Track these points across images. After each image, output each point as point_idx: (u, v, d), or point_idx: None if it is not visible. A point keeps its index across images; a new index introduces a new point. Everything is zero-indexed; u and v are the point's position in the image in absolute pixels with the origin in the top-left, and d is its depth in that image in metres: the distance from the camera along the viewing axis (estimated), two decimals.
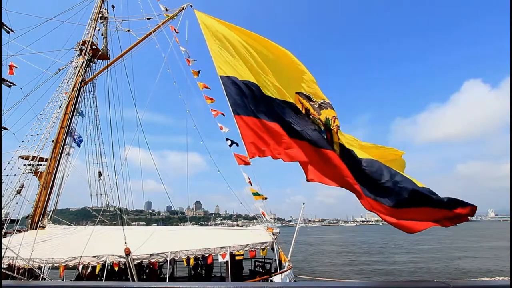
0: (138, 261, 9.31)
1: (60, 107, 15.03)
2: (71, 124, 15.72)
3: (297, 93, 5.65)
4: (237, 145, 6.10)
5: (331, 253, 36.12)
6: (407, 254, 32.30)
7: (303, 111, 5.39)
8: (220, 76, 5.76)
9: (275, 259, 10.14)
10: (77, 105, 16.17)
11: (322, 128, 5.19)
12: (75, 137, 16.69)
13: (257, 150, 5.04)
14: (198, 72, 9.60)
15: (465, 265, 23.76)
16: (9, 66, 15.39)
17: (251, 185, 7.86)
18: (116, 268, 9.14)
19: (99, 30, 18.20)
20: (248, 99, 5.44)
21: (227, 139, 6.27)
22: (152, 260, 9.29)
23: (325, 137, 5.08)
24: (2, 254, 9.19)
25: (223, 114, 8.36)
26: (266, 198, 8.01)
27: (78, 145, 17.17)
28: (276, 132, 5.12)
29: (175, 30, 11.15)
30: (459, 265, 24.00)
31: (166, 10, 12.47)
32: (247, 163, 5.37)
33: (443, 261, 26.34)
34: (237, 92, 5.50)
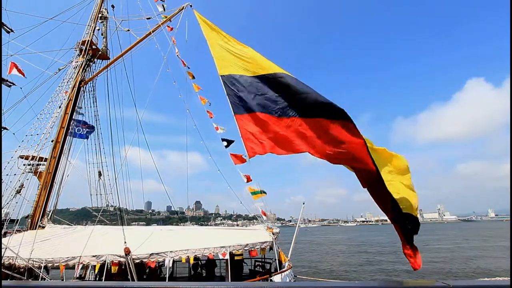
0: (138, 261, 9.31)
1: (60, 107, 15.03)
2: (71, 123, 15.71)
3: None
4: (233, 141, 6.08)
5: (344, 253, 35.71)
6: (421, 254, 31.56)
7: None
8: (221, 75, 5.71)
9: (275, 259, 10.14)
10: (76, 104, 16.17)
11: None
12: (76, 127, 16.46)
13: (257, 148, 4.96)
14: (193, 75, 9.70)
15: (486, 265, 23.30)
16: (17, 69, 15.41)
17: (251, 181, 7.85)
18: (116, 268, 9.13)
19: (99, 29, 18.19)
20: (249, 96, 5.32)
21: (222, 140, 6.26)
22: (152, 260, 9.28)
23: None
24: (2, 253, 9.18)
25: (210, 116, 8.38)
26: (265, 193, 8.01)
27: (86, 137, 17.12)
28: (277, 126, 4.98)
29: (172, 31, 11.22)
30: (479, 265, 23.53)
31: (164, 10, 12.47)
32: (243, 161, 5.33)
33: (464, 260, 25.99)
34: (237, 90, 5.41)
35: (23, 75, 15.59)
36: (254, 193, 8.08)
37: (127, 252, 8.92)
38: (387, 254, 33.41)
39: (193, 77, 9.96)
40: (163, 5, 12.57)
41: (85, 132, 17.11)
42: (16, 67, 15.39)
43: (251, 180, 7.86)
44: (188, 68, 10.32)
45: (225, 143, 6.29)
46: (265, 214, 9.97)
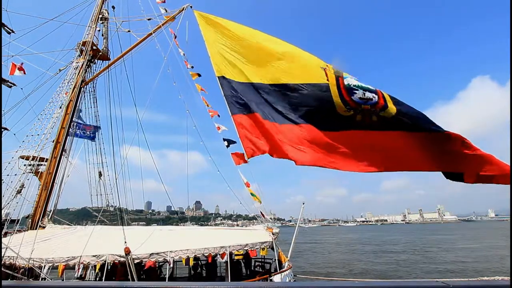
0: (138, 261, 9.33)
1: (60, 108, 15.07)
2: (73, 124, 15.76)
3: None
4: (235, 142, 6.10)
5: (369, 252, 35.05)
6: (449, 253, 31.23)
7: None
8: (218, 77, 5.75)
9: (275, 259, 10.16)
10: (77, 105, 16.21)
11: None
12: (82, 130, 16.53)
13: (255, 149, 4.96)
14: (198, 74, 9.68)
15: None
16: (18, 68, 15.48)
17: (249, 186, 7.89)
18: (116, 268, 9.15)
19: (99, 30, 18.25)
20: (245, 98, 5.36)
21: (224, 140, 6.26)
22: (152, 260, 9.31)
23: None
24: (3, 253, 9.21)
25: (218, 115, 8.40)
26: (260, 202, 8.07)
27: (92, 139, 17.18)
28: (273, 128, 4.97)
29: (174, 34, 11.25)
30: None
31: (166, 11, 12.52)
32: (245, 162, 5.33)
33: (498, 259, 25.65)
34: (234, 92, 5.46)
35: (24, 72, 15.63)
36: (253, 194, 8.13)
37: (127, 252, 8.94)
38: (415, 254, 32.67)
39: (199, 75, 9.93)
40: (165, 9, 12.62)
41: (91, 134, 17.21)
42: (17, 66, 15.45)
43: (249, 186, 7.91)
44: (192, 67, 10.31)
45: (226, 143, 6.30)
46: (264, 216, 10.01)
